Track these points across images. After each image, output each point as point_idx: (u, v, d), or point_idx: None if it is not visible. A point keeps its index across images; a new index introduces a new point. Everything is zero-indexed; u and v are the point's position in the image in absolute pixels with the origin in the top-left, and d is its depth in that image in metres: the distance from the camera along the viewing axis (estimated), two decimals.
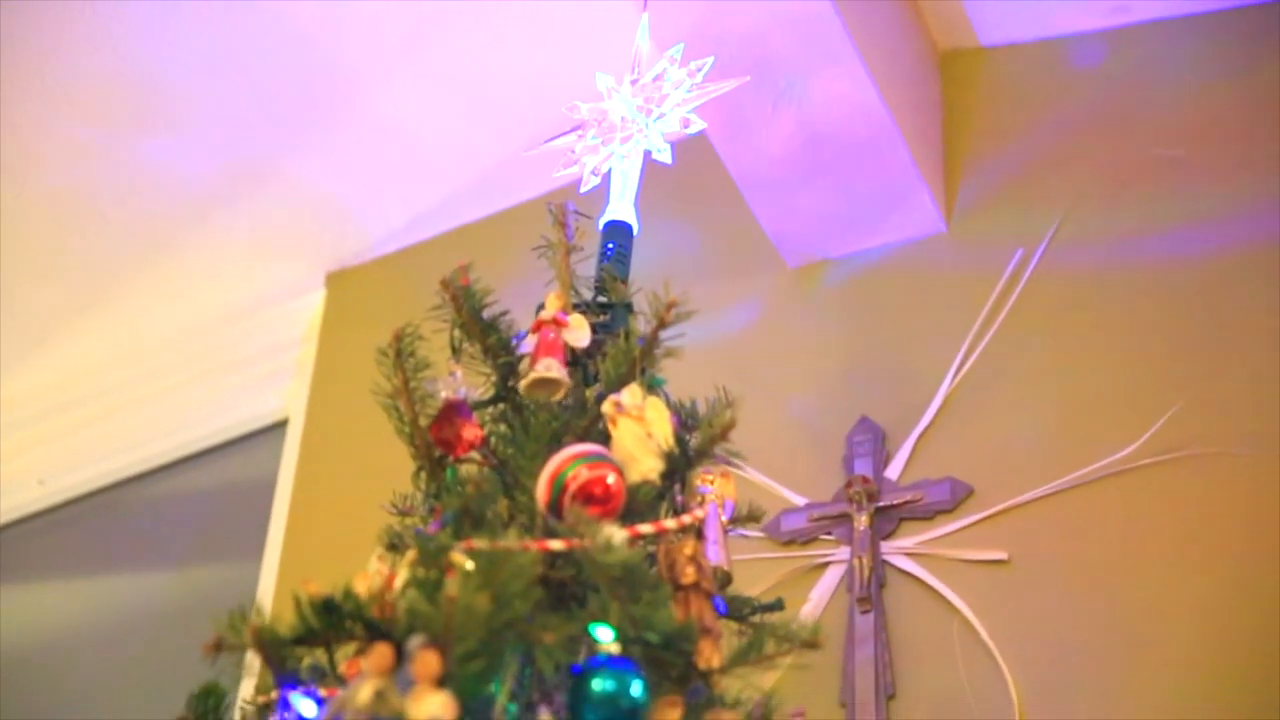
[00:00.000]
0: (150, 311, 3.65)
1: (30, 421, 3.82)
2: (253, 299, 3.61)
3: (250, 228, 3.40)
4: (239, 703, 1.34)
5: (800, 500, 2.32)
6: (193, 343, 3.69)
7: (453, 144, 3.14)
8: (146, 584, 3.52)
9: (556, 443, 1.37)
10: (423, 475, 1.50)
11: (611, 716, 1.13)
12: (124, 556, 3.62)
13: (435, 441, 1.42)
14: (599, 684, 1.14)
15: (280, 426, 3.44)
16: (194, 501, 3.61)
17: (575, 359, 1.55)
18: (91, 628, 3.55)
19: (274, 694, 1.20)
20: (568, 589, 1.28)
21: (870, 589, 2.14)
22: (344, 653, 1.25)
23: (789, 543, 2.30)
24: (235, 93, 3.06)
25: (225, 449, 3.61)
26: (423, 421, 1.46)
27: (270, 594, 2.84)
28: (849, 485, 2.22)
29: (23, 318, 3.59)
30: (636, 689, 1.13)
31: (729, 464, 1.56)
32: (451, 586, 1.04)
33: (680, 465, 1.46)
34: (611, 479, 1.26)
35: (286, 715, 1.14)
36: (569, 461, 1.26)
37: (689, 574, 1.30)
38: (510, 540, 1.14)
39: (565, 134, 1.91)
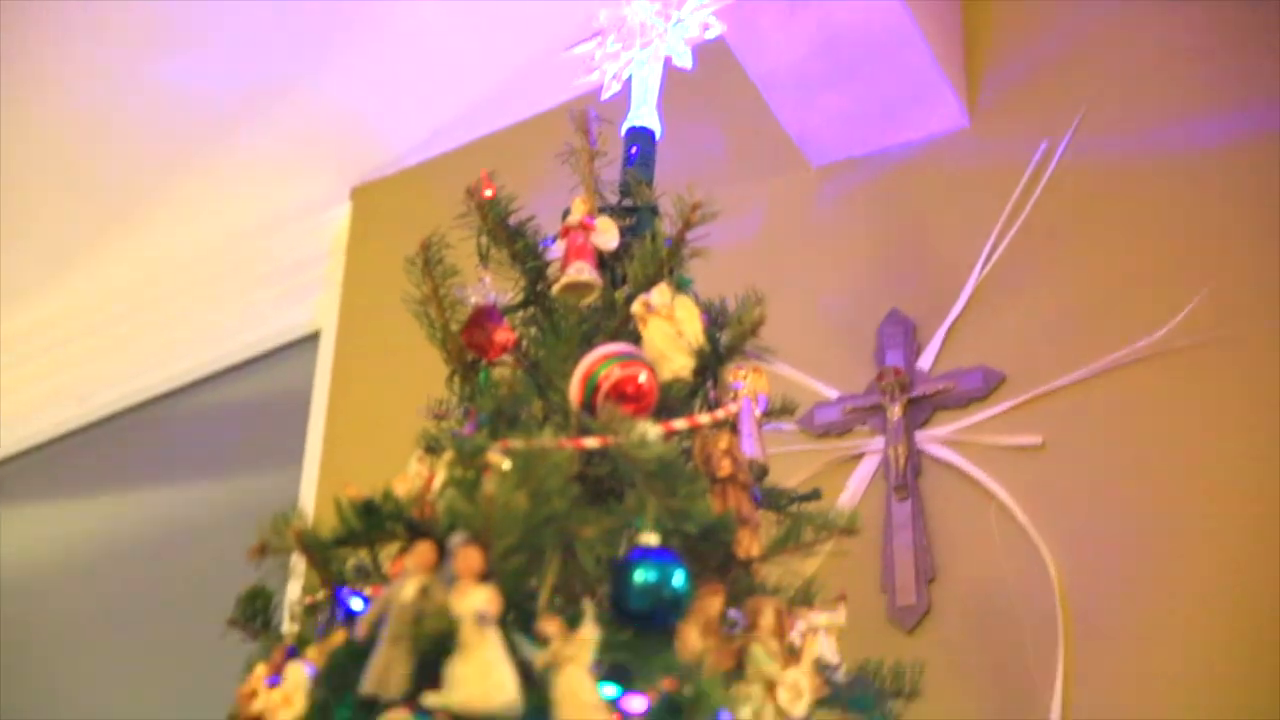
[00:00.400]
0: (178, 229, 3.69)
1: (68, 340, 3.91)
2: (279, 215, 3.64)
3: (274, 144, 3.42)
4: (286, 604, 1.37)
5: (833, 394, 2.35)
6: (222, 259, 3.74)
7: (473, 55, 3.13)
8: (188, 496, 3.62)
9: (587, 344, 1.38)
10: (456, 379, 1.52)
11: (654, 606, 1.15)
12: (165, 470, 3.73)
13: (467, 346, 1.44)
14: (640, 575, 1.16)
15: (313, 339, 3.47)
16: (231, 413, 3.70)
17: (602, 261, 1.54)
18: (136, 541, 3.67)
19: (320, 594, 1.22)
20: (605, 485, 1.30)
21: (906, 477, 2.17)
22: (387, 553, 1.25)
23: (823, 435, 2.34)
24: (255, 8, 3.05)
25: (259, 362, 3.66)
26: (454, 327, 1.47)
27: (311, 500, 2.93)
28: (880, 377, 2.24)
29: (53, 239, 3.67)
30: (678, 579, 1.14)
31: (760, 360, 1.58)
32: (489, 485, 1.05)
33: (711, 362, 1.47)
34: (643, 377, 1.27)
35: (337, 612, 1.16)
36: (601, 361, 1.28)
37: (725, 467, 1.32)
38: (545, 439, 1.15)
39: (585, 41, 1.88)
